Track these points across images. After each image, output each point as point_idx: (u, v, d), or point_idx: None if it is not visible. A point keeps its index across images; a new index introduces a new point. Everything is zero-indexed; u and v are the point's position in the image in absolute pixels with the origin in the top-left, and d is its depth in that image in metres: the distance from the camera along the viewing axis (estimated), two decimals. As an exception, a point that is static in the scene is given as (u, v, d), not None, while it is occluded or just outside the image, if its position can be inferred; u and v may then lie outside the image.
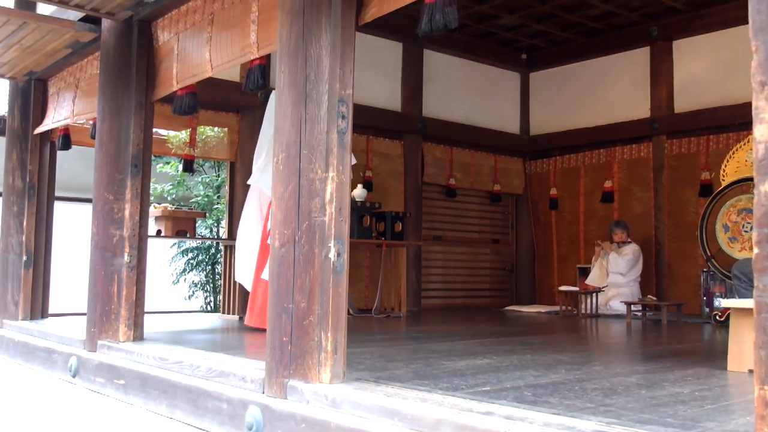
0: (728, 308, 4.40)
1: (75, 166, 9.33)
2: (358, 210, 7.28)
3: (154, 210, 6.57)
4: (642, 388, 3.01)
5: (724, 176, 6.89)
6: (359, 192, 7.46)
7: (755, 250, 1.64)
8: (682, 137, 8.36)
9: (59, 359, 4.86)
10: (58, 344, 5.01)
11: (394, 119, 8.60)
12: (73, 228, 9.10)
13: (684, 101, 8.35)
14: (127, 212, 4.52)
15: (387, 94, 8.58)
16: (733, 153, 6.87)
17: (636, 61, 8.82)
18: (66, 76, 5.85)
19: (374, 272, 7.98)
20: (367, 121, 8.04)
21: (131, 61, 4.61)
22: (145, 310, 4.65)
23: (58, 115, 5.89)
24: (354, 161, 6.97)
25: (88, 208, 5.00)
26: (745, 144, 6.70)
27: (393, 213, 7.78)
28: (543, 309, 8.78)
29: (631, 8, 8.25)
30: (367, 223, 7.41)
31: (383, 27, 7.85)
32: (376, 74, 8.44)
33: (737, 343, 3.62)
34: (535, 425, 2.20)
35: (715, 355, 4.21)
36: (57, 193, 6.65)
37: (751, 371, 3.30)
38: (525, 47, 9.64)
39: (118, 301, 4.49)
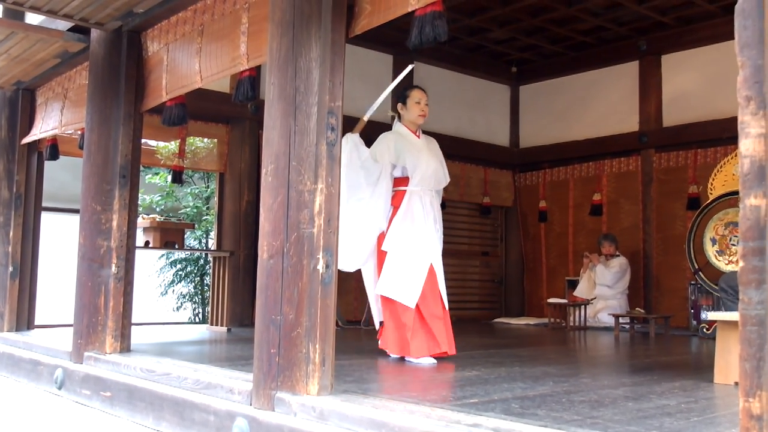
0: (715, 321, 4.42)
1: (63, 177, 9.29)
2: (347, 222, 7.26)
3: (142, 221, 6.54)
4: (629, 400, 3.02)
5: (711, 190, 6.93)
6: (349, 204, 7.45)
7: (740, 264, 1.65)
8: (670, 151, 8.41)
9: (45, 371, 4.82)
10: (44, 356, 4.97)
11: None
12: (60, 239, 9.05)
13: (672, 115, 8.41)
14: (114, 223, 4.50)
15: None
16: (721, 167, 6.92)
17: (625, 75, 8.88)
18: (54, 86, 5.84)
19: (363, 284, 7.93)
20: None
21: (120, 72, 4.60)
22: (133, 321, 4.62)
23: (46, 125, 5.87)
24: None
25: (75, 218, 4.98)
26: (732, 158, 6.75)
27: (382, 225, 7.76)
28: (532, 321, 8.78)
29: (620, 22, 8.31)
30: (357, 235, 7.39)
31: (374, 39, 7.87)
32: (366, 86, 8.45)
33: (724, 355, 3.63)
34: (522, 438, 2.20)
35: (702, 368, 4.22)
36: (44, 204, 6.62)
37: (737, 384, 3.31)
38: (515, 60, 9.69)
39: (105, 313, 4.46)
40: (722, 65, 7.63)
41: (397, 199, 4.68)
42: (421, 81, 8.98)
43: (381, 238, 4.67)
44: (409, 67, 4.86)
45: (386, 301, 4.58)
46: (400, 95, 4.94)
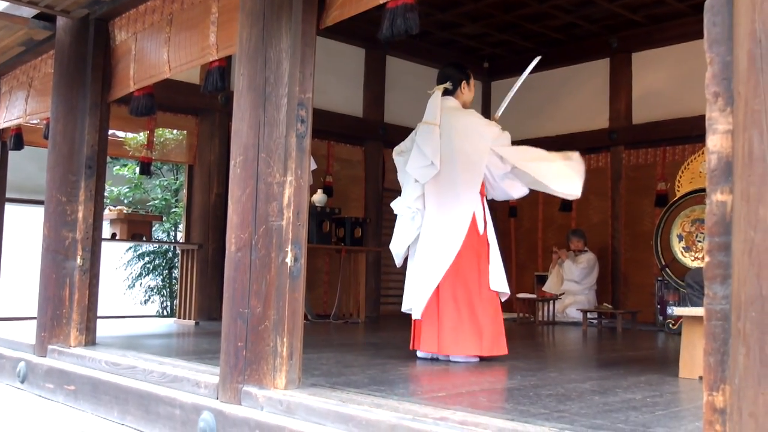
0: (681, 316, 4.47)
1: (28, 167, 9.12)
2: (317, 215, 7.24)
3: (109, 213, 6.45)
4: (595, 394, 3.04)
5: (679, 187, 7.02)
6: (319, 197, 7.43)
7: (706, 259, 1.66)
8: (639, 148, 8.50)
9: (7, 364, 4.74)
10: (7, 349, 4.88)
11: (356, 125, 8.59)
12: (25, 230, 8.89)
13: (642, 113, 8.49)
14: (80, 214, 4.43)
15: (349, 100, 8.56)
16: (688, 164, 7.01)
17: (596, 72, 8.94)
18: (19, 75, 5.73)
19: (333, 278, 7.94)
20: (329, 127, 8.01)
21: (87, 61, 4.52)
22: (99, 314, 4.55)
23: (10, 115, 5.76)
24: (314, 166, 6.36)
25: (40, 210, 4.89)
26: (699, 155, 6.85)
27: (353, 218, 7.75)
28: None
29: (592, 20, 8.37)
30: (327, 229, 7.38)
31: (346, 32, 7.85)
32: (339, 79, 8.42)
33: (689, 350, 3.68)
34: (488, 431, 2.20)
35: (668, 363, 4.27)
36: (8, 195, 6.51)
37: (701, 378, 3.35)
38: (487, 56, 9.71)
39: (70, 305, 4.39)
40: (691, 64, 7.72)
41: (483, 186, 4.47)
42: (392, 75, 8.99)
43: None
44: (537, 59, 4.76)
45: (491, 297, 4.26)
46: (465, 74, 4.79)
